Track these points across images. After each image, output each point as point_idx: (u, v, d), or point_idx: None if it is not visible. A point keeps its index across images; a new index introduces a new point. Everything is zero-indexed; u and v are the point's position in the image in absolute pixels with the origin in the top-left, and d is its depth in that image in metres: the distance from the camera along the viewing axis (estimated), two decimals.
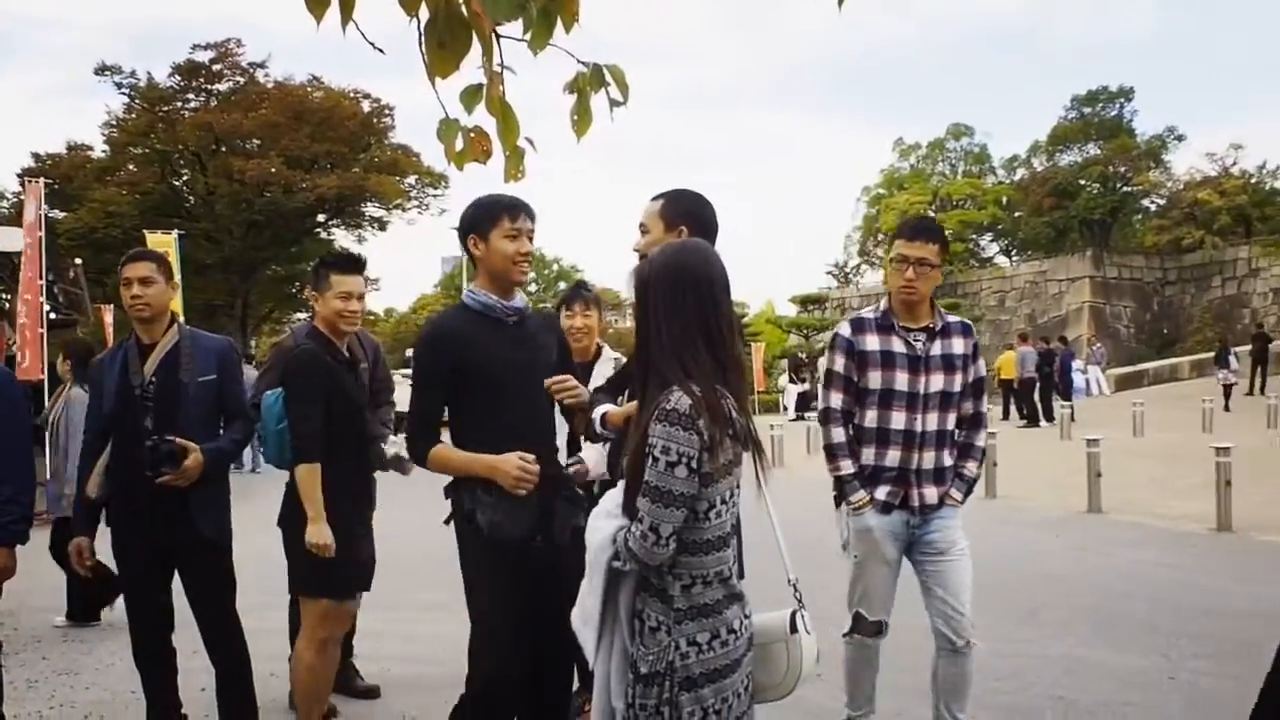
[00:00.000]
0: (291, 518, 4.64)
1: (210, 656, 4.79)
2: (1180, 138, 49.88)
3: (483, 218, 3.86)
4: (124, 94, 41.15)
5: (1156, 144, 49.58)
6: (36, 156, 41.13)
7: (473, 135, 2.38)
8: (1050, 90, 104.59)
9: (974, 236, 54.57)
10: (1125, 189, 49.60)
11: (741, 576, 2.91)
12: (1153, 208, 50.57)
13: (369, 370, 5.61)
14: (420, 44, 2.24)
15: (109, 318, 28.96)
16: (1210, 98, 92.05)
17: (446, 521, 3.94)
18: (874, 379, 4.52)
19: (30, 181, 15.05)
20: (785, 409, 35.40)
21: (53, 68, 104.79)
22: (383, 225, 44.65)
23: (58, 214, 36.56)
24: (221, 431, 4.75)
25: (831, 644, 3.14)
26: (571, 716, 5.11)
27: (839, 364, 4.60)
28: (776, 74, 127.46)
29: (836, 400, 4.58)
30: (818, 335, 44.93)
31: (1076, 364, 31.79)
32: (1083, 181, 49.52)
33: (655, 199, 3.75)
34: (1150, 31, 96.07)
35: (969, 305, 44.32)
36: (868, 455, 4.55)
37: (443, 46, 2.14)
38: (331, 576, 4.63)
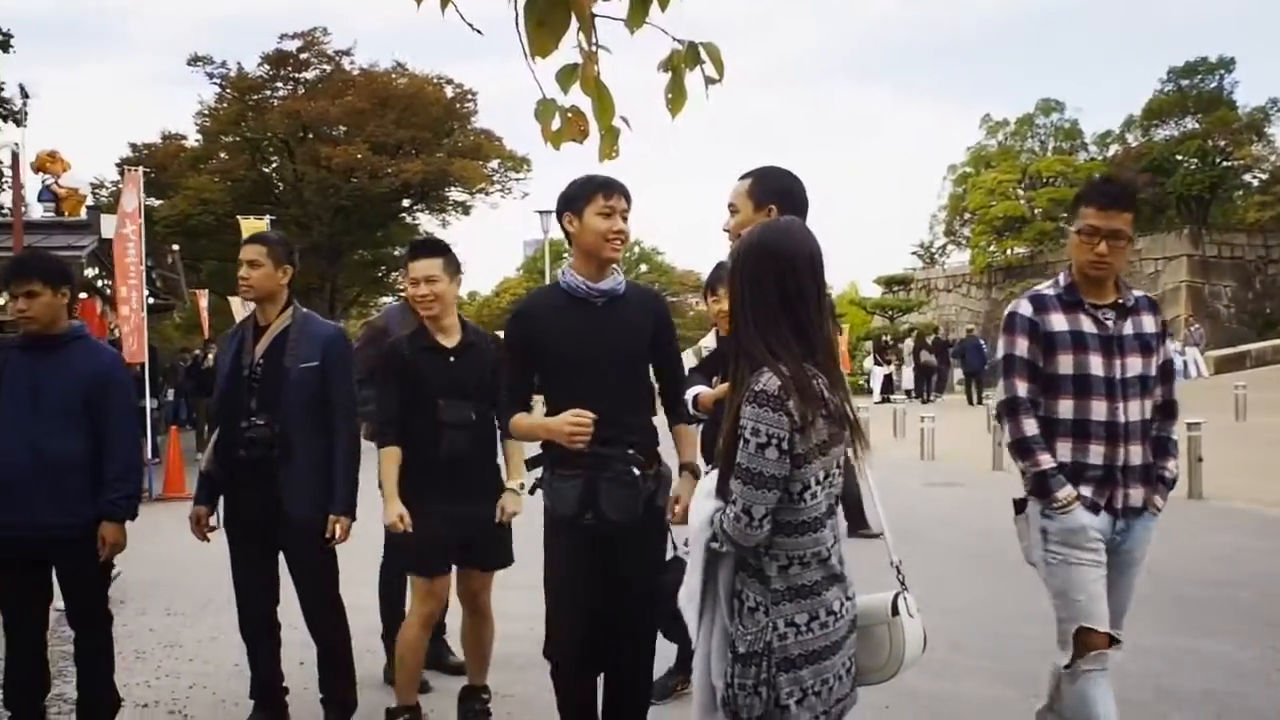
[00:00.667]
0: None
1: (311, 632, 4.93)
2: None
3: (577, 195, 3.94)
4: (215, 84, 41.84)
5: (1259, 116, 47.92)
6: (134, 146, 42.02)
7: (570, 115, 2.41)
8: (1145, 62, 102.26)
9: (1064, 215, 53.45)
10: (1225, 164, 48.02)
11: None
12: (1255, 183, 49.00)
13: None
14: (518, 24, 2.28)
15: (204, 302, 29.68)
16: None
17: (531, 491, 4.09)
18: (1064, 363, 3.94)
19: (129, 170, 15.42)
20: (870, 391, 35.13)
21: (147, 59, 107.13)
22: (466, 209, 44.92)
23: (154, 201, 37.27)
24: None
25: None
26: (661, 697, 5.19)
27: (1021, 347, 3.99)
28: (859, 50, 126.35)
29: (1023, 388, 3.96)
30: (903, 317, 44.51)
31: (1174, 345, 31.06)
32: (1180, 157, 48.10)
33: (743, 178, 3.74)
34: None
35: None
36: (1065, 451, 3.93)
37: (542, 25, 2.18)
38: (416, 555, 4.81)
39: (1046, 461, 3.89)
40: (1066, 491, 3.85)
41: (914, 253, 59.60)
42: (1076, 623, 3.86)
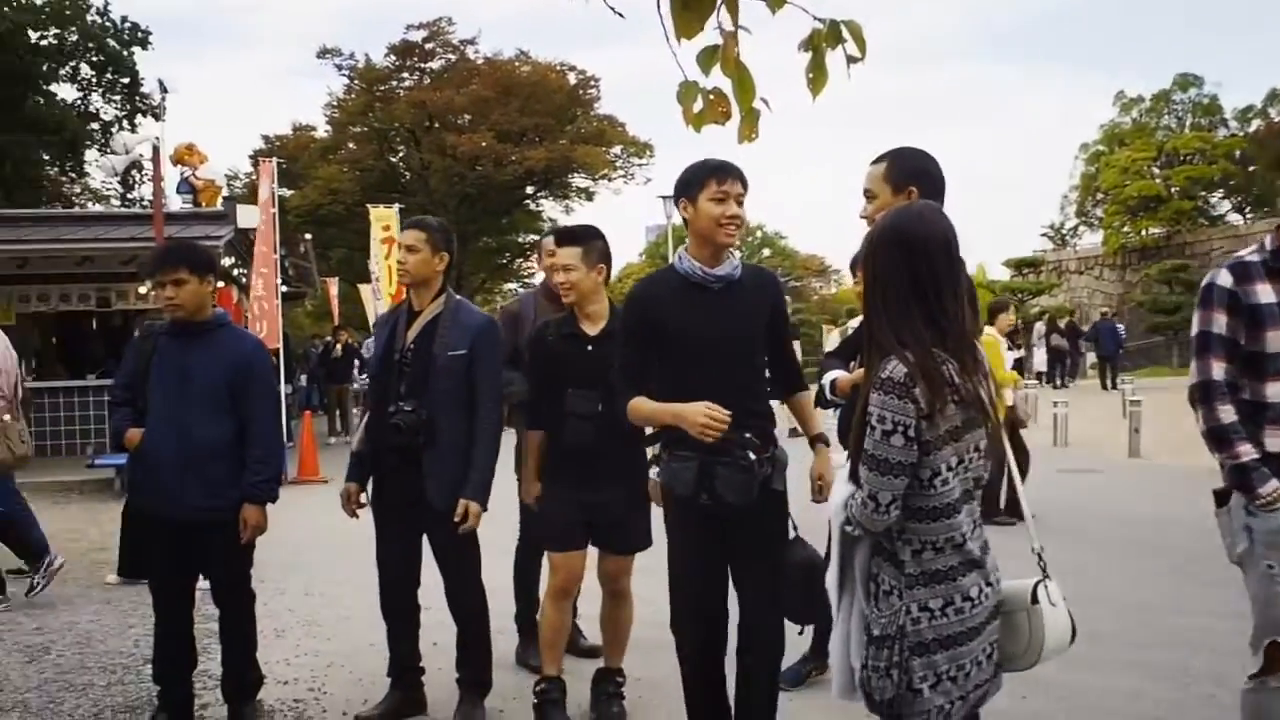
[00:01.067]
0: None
1: (452, 613, 5.01)
2: None
3: (691, 181, 3.93)
4: (344, 75, 42.73)
5: None
6: (265, 138, 43.20)
7: (711, 97, 2.39)
8: None
9: (1203, 194, 51.76)
10: None
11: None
12: None
13: None
14: (660, 7, 2.26)
15: (334, 290, 30.35)
16: None
17: (647, 468, 4.17)
18: (1273, 340, 3.52)
19: (264, 160, 15.83)
20: None
21: (278, 53, 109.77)
22: (589, 195, 45.23)
23: (285, 192, 38.24)
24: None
25: None
26: (794, 683, 5.17)
27: (1219, 323, 3.57)
28: (987, 29, 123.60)
29: (1219, 370, 3.54)
30: (1032, 300, 43.53)
31: None
32: None
33: (877, 161, 3.62)
34: None
35: (1198, 266, 42.16)
36: (1274, 441, 3.50)
37: (688, 8, 2.16)
38: (548, 529, 4.92)
39: (1247, 453, 3.47)
40: (1272, 487, 3.44)
41: (1044, 234, 58.23)
42: (1271, 636, 3.50)
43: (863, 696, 2.79)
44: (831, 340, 5.08)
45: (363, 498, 5.05)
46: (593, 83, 43.49)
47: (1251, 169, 48.83)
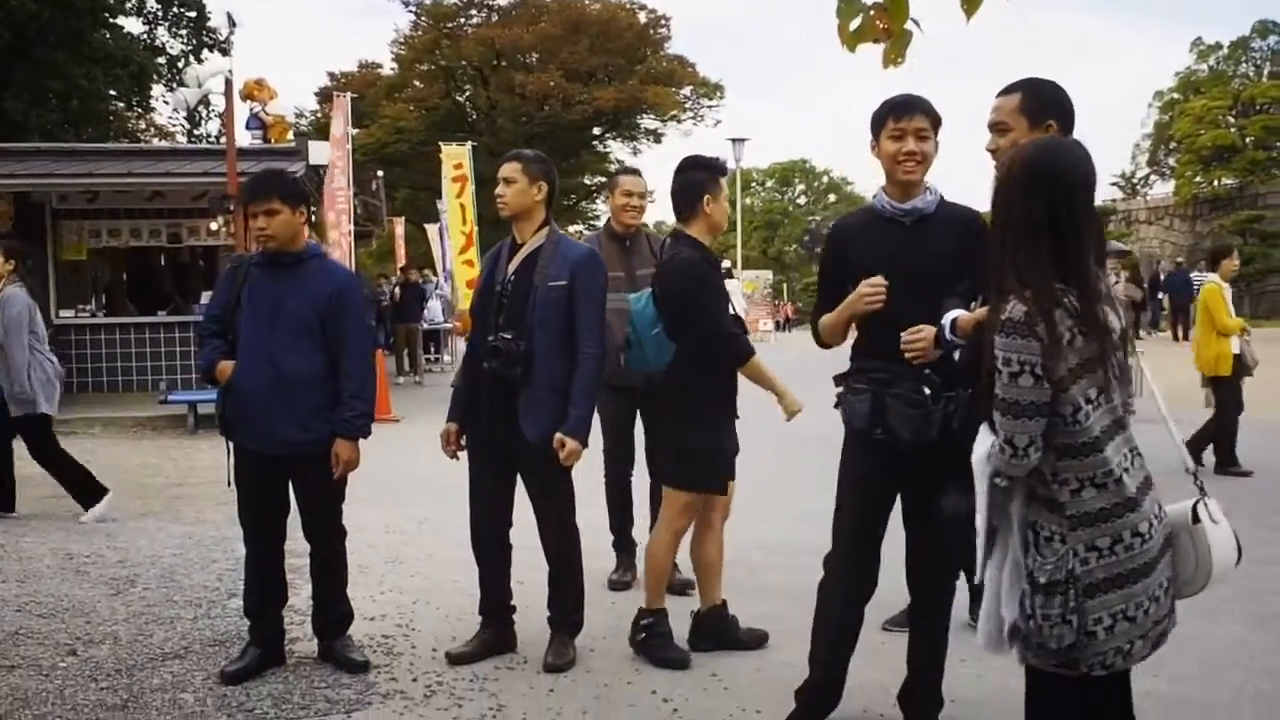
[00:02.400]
0: (675, 411, 4.90)
1: (545, 553, 4.96)
2: None
3: (875, 120, 3.99)
4: (411, 12, 42.68)
5: None
6: (332, 75, 43.25)
7: (872, 13, 2.24)
8: None
9: (1278, 144, 50.48)
10: None
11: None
12: None
13: None
14: None
15: (400, 229, 30.33)
16: None
17: (835, 406, 4.14)
18: None
19: (338, 95, 15.73)
20: None
21: None
22: (658, 137, 44.95)
23: (352, 130, 38.27)
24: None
25: None
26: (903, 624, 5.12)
27: None
28: None
29: None
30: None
31: None
32: None
33: (1008, 92, 3.44)
34: None
35: (1273, 218, 41.10)
36: None
37: None
38: (707, 471, 4.86)
39: None
40: None
41: (1114, 183, 57.16)
42: None
43: (1018, 649, 2.72)
44: None
45: (463, 439, 4.98)
46: (663, 22, 43.10)
47: None
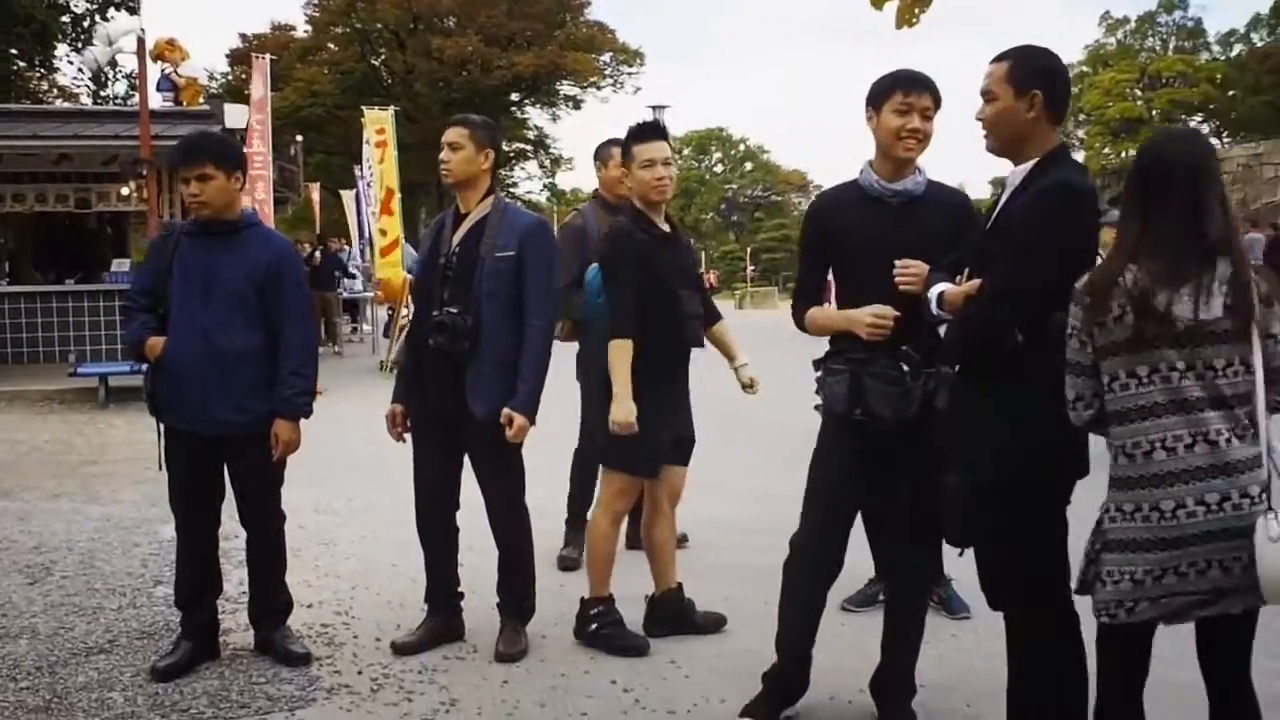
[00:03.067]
0: (603, 390, 4.62)
1: (494, 536, 4.74)
2: None
3: (879, 91, 3.80)
4: None
5: None
6: (244, 37, 42.20)
7: None
8: None
9: (1184, 117, 51.58)
10: None
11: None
12: None
13: None
14: None
15: (316, 195, 29.70)
16: None
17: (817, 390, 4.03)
18: None
19: (257, 58, 15.24)
20: None
21: None
22: (577, 104, 44.55)
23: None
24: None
25: None
26: (861, 603, 5.19)
27: None
28: None
29: None
30: None
31: None
32: None
33: (998, 60, 3.33)
34: None
35: None
36: None
37: None
38: (634, 452, 4.60)
39: None
40: None
41: None
42: None
43: None
44: None
45: (409, 420, 4.74)
46: None
47: (1232, 93, 48.63)
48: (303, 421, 4.49)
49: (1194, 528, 2.74)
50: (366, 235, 19.77)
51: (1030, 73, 3.24)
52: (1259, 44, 49.96)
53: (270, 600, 4.67)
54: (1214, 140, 51.55)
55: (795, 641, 4.03)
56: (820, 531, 3.93)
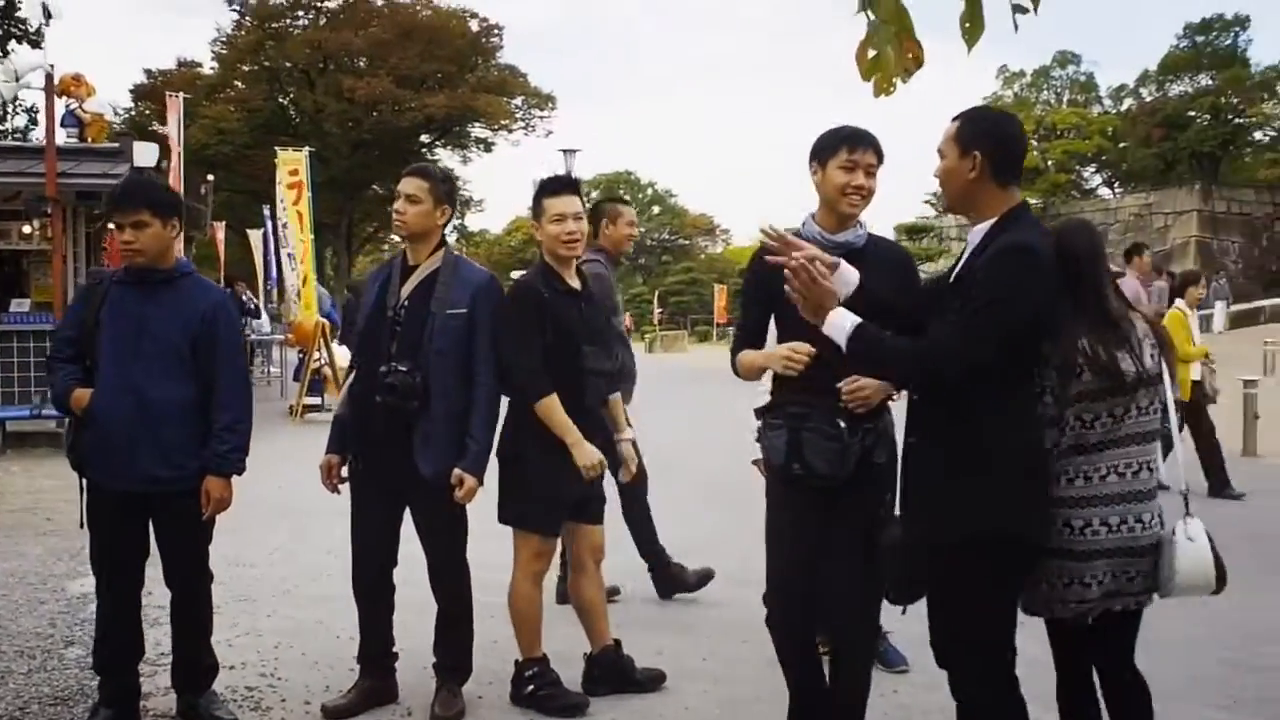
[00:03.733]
0: (507, 445, 4.58)
1: (435, 594, 4.62)
2: None
3: (824, 146, 3.85)
4: (235, 10, 41.32)
5: (1272, 75, 47.54)
6: (149, 73, 41.46)
7: (905, 40, 2.03)
8: (1162, 18, 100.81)
9: (1077, 167, 53.16)
10: (1237, 121, 47.84)
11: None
12: (1265, 140, 48.76)
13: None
14: None
15: (221, 234, 29.19)
16: None
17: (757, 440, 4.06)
18: None
19: (171, 96, 14.98)
20: None
21: None
22: (488, 146, 44.50)
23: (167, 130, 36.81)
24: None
25: None
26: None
27: None
28: None
29: None
30: (922, 266, 43.92)
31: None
32: (1193, 113, 47.92)
33: (953, 120, 3.39)
34: None
35: None
36: None
37: None
38: (541, 512, 4.58)
39: None
40: None
41: (927, 201, 59.13)
42: None
43: None
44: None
45: (344, 470, 4.62)
46: (495, 31, 42.80)
47: (1122, 145, 50.27)
48: None
49: (1090, 544, 3.33)
50: (274, 276, 19.47)
51: (974, 134, 3.27)
52: (1148, 99, 51.68)
53: (196, 663, 4.49)
54: (1106, 190, 53.38)
55: (810, 684, 4.01)
56: (783, 580, 3.94)
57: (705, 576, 6.43)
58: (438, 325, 4.39)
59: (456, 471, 4.36)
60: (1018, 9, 2.16)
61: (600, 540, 4.88)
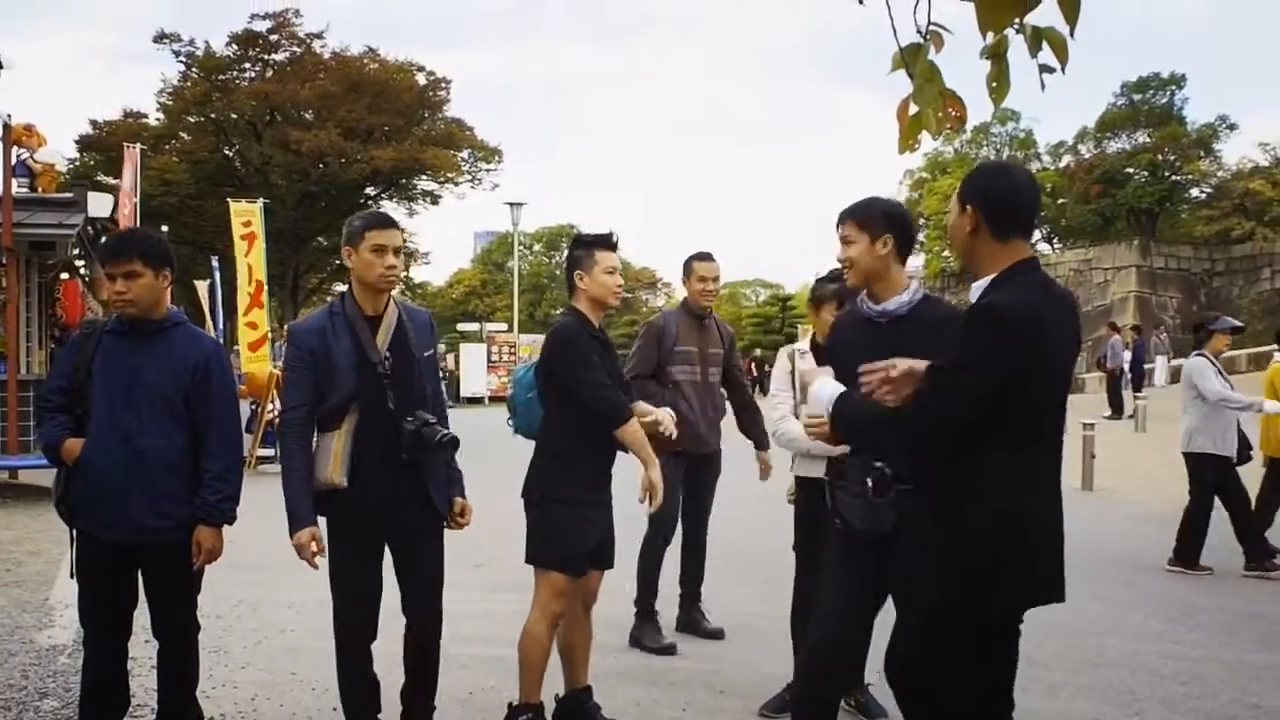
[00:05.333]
0: (535, 490, 4.72)
1: (417, 639, 4.56)
2: (1232, 126, 48.48)
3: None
4: (181, 62, 41.11)
5: (1207, 132, 48.57)
6: (94, 124, 41.07)
7: (946, 98, 2.12)
8: (1099, 77, 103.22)
9: None
10: (1174, 178, 48.73)
11: None
12: (1202, 197, 49.76)
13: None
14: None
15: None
16: (1264, 85, 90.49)
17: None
18: None
19: (128, 147, 14.88)
20: None
21: (107, 35, 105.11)
22: (435, 199, 44.50)
23: (114, 180, 36.48)
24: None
25: None
26: (778, 709, 5.16)
27: None
28: (822, 49, 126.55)
29: None
30: None
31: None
32: (1131, 169, 48.70)
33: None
34: (1203, 17, 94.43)
35: None
36: None
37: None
38: (568, 552, 4.66)
39: None
40: None
41: None
42: None
43: None
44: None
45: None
46: (443, 84, 42.95)
47: (1061, 201, 51.15)
48: None
49: None
50: (221, 328, 19.36)
51: (969, 189, 3.39)
52: (1086, 155, 52.54)
53: (182, 715, 4.47)
54: (1045, 245, 54.23)
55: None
56: (827, 639, 3.97)
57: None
58: (422, 368, 4.49)
59: (459, 500, 4.55)
60: (1044, 69, 2.25)
61: (597, 586, 4.96)
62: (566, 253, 5.04)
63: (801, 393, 5.03)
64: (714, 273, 6.62)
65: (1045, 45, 2.23)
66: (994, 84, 2.28)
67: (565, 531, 4.63)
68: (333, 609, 4.49)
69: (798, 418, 4.88)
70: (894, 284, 3.87)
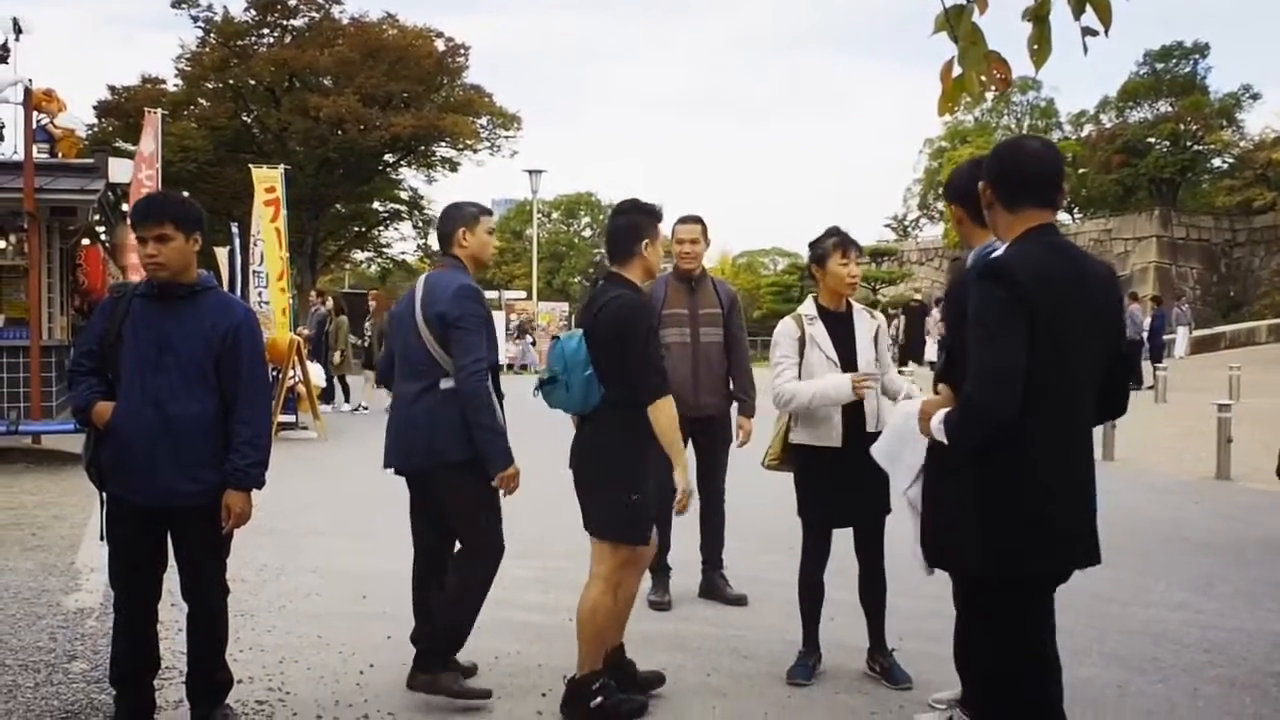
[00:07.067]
0: (604, 467, 4.67)
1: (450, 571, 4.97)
2: (1255, 96, 48.20)
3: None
4: (200, 27, 40.99)
5: (1230, 102, 48.22)
6: (112, 89, 41.01)
7: (991, 60, 2.10)
8: (1122, 45, 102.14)
9: None
10: (1196, 148, 48.35)
11: None
12: (1224, 167, 49.37)
13: None
14: None
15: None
16: None
17: None
18: None
19: (149, 112, 14.88)
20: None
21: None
22: (454, 166, 44.37)
23: (132, 147, 36.45)
24: None
25: None
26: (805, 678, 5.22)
27: None
28: (842, 21, 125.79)
29: None
30: (885, 287, 44.35)
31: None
32: (1152, 139, 48.34)
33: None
34: None
35: None
36: None
37: None
38: (637, 522, 4.69)
39: None
40: None
41: (887, 225, 59.63)
42: None
43: None
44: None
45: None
46: (461, 50, 42.73)
47: (1082, 171, 50.77)
48: None
49: None
50: (236, 293, 19.46)
51: (987, 164, 3.38)
52: (1108, 125, 52.12)
53: (211, 677, 4.50)
54: (1066, 216, 53.92)
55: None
56: None
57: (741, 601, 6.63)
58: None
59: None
60: (1087, 31, 2.22)
61: (653, 552, 5.10)
62: (616, 216, 4.93)
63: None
64: (692, 235, 6.62)
65: (1089, 7, 2.20)
66: (1035, 46, 2.26)
67: (637, 507, 4.65)
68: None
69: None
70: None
